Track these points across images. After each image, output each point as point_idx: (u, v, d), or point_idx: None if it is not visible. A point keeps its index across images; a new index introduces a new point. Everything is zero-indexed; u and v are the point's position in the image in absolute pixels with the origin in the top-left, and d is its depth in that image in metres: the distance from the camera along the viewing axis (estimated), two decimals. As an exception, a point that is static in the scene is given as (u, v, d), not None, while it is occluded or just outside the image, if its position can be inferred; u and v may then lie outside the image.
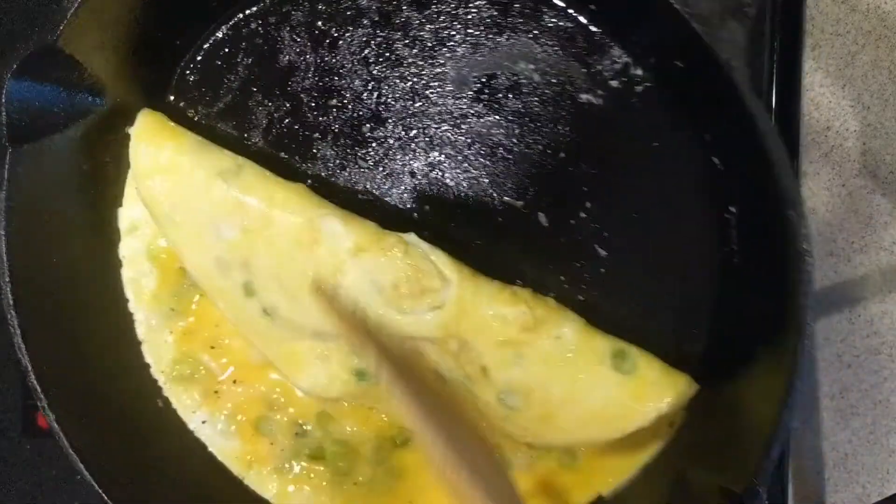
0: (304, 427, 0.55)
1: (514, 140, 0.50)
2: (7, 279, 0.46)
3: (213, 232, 0.51)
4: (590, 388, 0.47)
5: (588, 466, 0.52)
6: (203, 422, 0.57)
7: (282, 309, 0.52)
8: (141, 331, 0.57)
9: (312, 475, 0.56)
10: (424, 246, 0.49)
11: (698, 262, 0.50)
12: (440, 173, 0.51)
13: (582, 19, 0.48)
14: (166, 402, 0.57)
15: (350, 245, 0.49)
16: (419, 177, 0.51)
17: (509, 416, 0.50)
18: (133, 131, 0.52)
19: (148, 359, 0.57)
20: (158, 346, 0.57)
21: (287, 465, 0.56)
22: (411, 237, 0.50)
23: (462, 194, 0.51)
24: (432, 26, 0.48)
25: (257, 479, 0.56)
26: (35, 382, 0.47)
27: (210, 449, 0.57)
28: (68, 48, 0.46)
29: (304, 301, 0.50)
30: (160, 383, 0.57)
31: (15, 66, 0.45)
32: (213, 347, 0.56)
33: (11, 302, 0.47)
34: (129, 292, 0.56)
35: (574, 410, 0.48)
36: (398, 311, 0.49)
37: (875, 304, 0.72)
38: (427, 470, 0.53)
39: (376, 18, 0.49)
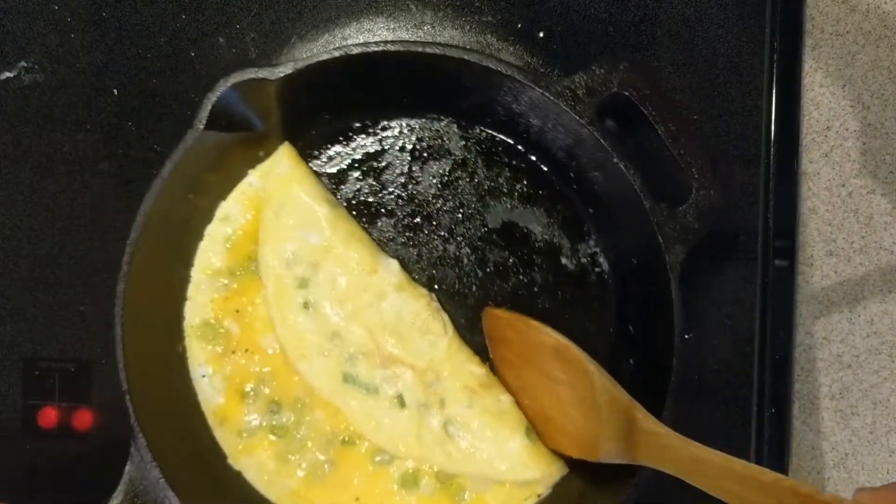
0: (279, 406, 0.68)
1: (511, 269, 0.71)
2: (144, 214, 0.62)
3: (301, 235, 0.67)
4: (506, 441, 0.66)
5: None
6: (203, 376, 0.68)
7: (322, 306, 0.67)
8: (191, 291, 0.68)
9: (266, 446, 0.67)
10: (438, 305, 0.69)
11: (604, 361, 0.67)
12: (456, 269, 0.71)
13: (580, 214, 0.71)
14: (184, 350, 0.68)
15: (395, 282, 0.68)
16: (440, 265, 0.72)
17: (443, 442, 0.66)
18: (282, 148, 0.69)
19: (186, 313, 0.68)
20: (198, 305, 0.68)
21: (249, 432, 0.67)
22: (433, 296, 0.69)
23: (464, 288, 0.72)
24: (490, 180, 0.72)
25: (223, 435, 0.67)
26: (119, 301, 0.62)
27: (199, 397, 0.67)
28: (269, 87, 0.62)
29: (346, 306, 0.67)
30: (185, 334, 0.68)
31: (242, 79, 0.61)
32: (240, 318, 0.69)
33: (135, 235, 0.62)
34: (197, 260, 0.69)
35: (491, 450, 0.66)
36: (408, 339, 0.67)
37: (875, 304, 0.72)
38: (357, 468, 0.67)
39: (457, 160, 0.72)
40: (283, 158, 0.69)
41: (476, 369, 0.67)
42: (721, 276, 0.70)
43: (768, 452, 0.69)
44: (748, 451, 0.69)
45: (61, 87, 0.72)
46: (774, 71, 0.70)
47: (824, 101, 0.72)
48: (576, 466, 0.66)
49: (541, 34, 0.71)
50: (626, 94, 0.62)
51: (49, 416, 0.70)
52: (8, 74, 0.72)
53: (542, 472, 0.66)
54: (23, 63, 0.72)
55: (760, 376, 0.69)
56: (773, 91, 0.70)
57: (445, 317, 0.68)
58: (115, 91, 0.72)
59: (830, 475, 0.72)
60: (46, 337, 0.71)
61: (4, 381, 0.71)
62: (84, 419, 0.70)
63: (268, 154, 0.69)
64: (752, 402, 0.69)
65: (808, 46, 0.72)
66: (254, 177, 0.69)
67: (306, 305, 0.67)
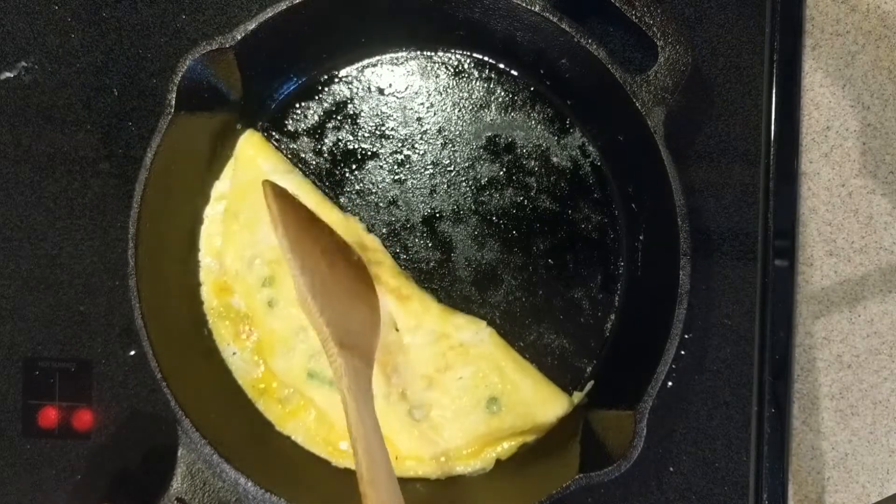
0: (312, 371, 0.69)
1: (505, 180, 0.72)
2: (137, 206, 0.62)
3: (260, 238, 0.68)
4: (467, 416, 0.67)
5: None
6: (233, 353, 0.69)
7: (285, 303, 0.67)
8: (202, 275, 0.70)
9: (304, 409, 0.68)
10: (394, 307, 0.68)
11: (613, 275, 0.71)
12: (452, 193, 0.72)
13: (560, 109, 0.71)
14: (210, 332, 0.69)
15: None
16: (435, 193, 0.72)
17: (411, 426, 0.67)
18: (241, 140, 0.70)
19: (203, 297, 0.69)
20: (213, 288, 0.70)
21: (288, 399, 0.68)
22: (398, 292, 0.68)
23: (464, 209, 0.72)
24: (465, 98, 0.72)
25: (265, 404, 0.68)
26: (134, 286, 0.62)
27: (234, 375, 0.69)
28: (230, 55, 0.63)
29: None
30: (208, 317, 0.69)
31: (199, 53, 0.62)
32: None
33: (134, 230, 0.63)
34: (202, 244, 0.70)
35: (454, 427, 0.67)
36: None
37: (875, 304, 0.72)
38: (396, 420, 0.67)
39: (429, 88, 0.72)
40: (245, 146, 0.69)
41: (431, 353, 0.67)
42: (721, 276, 0.70)
43: (768, 452, 0.69)
44: (748, 451, 0.69)
45: (61, 87, 0.72)
46: (774, 71, 0.70)
47: (824, 101, 0.72)
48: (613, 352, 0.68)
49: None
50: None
51: (49, 416, 0.70)
52: (8, 74, 0.72)
53: (521, 427, 0.66)
54: (23, 63, 0.72)
55: (760, 376, 0.69)
56: (773, 91, 0.70)
57: (401, 315, 0.68)
58: (115, 91, 0.72)
59: (830, 475, 0.72)
60: (46, 337, 0.71)
61: (4, 381, 0.71)
62: (84, 419, 0.70)
63: (245, 127, 0.70)
64: (752, 402, 0.69)
65: (808, 46, 0.72)
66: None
67: (270, 304, 0.68)
